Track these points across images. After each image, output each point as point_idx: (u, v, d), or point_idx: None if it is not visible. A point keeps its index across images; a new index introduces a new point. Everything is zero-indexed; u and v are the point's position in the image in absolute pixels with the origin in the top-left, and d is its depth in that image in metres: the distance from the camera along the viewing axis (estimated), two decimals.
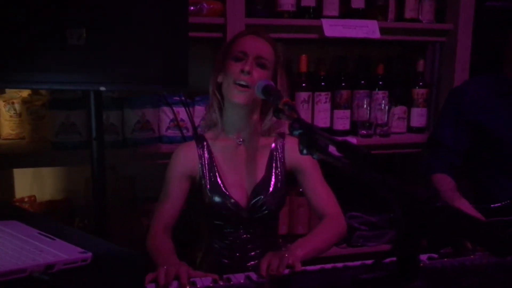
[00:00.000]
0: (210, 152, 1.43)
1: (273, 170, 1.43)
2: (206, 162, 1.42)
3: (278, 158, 1.45)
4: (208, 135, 1.47)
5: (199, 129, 1.84)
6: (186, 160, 1.43)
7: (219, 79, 1.43)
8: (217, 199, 1.38)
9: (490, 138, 1.79)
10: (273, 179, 1.42)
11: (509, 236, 0.51)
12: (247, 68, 1.34)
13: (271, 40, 1.44)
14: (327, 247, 1.35)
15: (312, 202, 1.46)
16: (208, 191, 1.39)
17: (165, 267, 1.12)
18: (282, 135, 1.48)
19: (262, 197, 1.39)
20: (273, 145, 1.46)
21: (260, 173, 1.42)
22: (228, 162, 1.43)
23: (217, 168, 1.41)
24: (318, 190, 1.44)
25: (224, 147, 1.44)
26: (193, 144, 1.46)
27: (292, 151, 1.43)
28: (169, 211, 1.41)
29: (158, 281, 1.08)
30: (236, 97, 1.35)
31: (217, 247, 1.44)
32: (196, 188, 1.44)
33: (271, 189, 1.41)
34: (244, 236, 1.42)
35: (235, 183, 1.41)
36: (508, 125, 1.78)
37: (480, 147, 1.83)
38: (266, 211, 1.40)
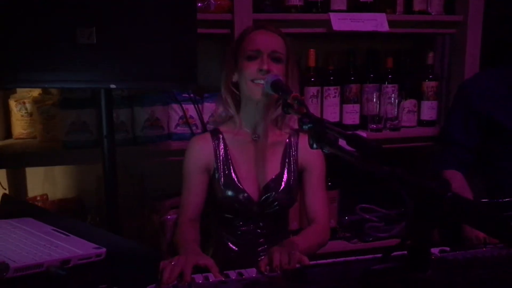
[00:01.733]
0: (225, 146, 1.43)
1: (286, 167, 1.44)
2: (221, 156, 1.42)
3: (291, 155, 1.45)
4: (223, 128, 1.47)
5: (208, 126, 1.85)
6: (201, 153, 1.43)
7: (234, 78, 1.42)
8: (230, 192, 1.39)
9: (502, 132, 1.76)
10: (285, 176, 1.43)
11: None
12: (265, 67, 1.33)
13: (281, 33, 1.43)
14: (311, 253, 1.36)
15: (307, 202, 1.47)
16: (222, 185, 1.40)
17: (172, 262, 1.11)
18: (296, 132, 1.48)
19: (274, 193, 1.40)
20: (287, 141, 1.47)
21: (274, 169, 1.43)
22: (243, 157, 1.43)
23: (231, 162, 1.41)
24: (318, 194, 1.46)
25: (239, 141, 1.44)
26: (208, 136, 1.46)
27: (306, 149, 1.43)
28: (192, 204, 1.41)
29: (163, 278, 1.05)
30: (258, 94, 1.35)
31: (227, 243, 1.45)
32: (209, 180, 1.44)
33: (283, 185, 1.41)
34: (254, 231, 1.42)
35: (249, 177, 1.42)
36: None
37: (491, 140, 1.80)
38: (277, 207, 1.41)
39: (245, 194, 1.39)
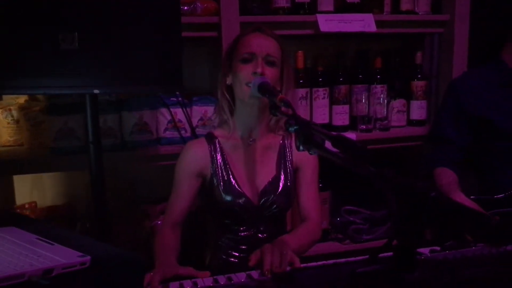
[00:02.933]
0: (222, 151, 1.43)
1: (282, 169, 1.43)
2: (218, 161, 1.41)
3: (287, 157, 1.45)
4: (218, 133, 1.46)
5: (197, 130, 1.83)
6: (196, 158, 1.42)
7: (228, 81, 1.42)
8: (229, 197, 1.38)
9: (492, 130, 1.77)
10: (282, 178, 1.42)
11: (503, 226, 0.50)
12: (259, 70, 1.32)
13: (276, 36, 1.42)
14: (303, 252, 1.36)
15: (300, 201, 1.47)
16: (221, 190, 1.39)
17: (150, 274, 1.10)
18: (289, 134, 1.47)
19: (272, 196, 1.40)
20: (281, 143, 1.47)
21: (270, 172, 1.43)
22: (239, 161, 1.43)
23: (230, 167, 1.41)
24: (310, 193, 1.46)
25: (235, 146, 1.44)
26: (203, 141, 1.45)
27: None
28: (178, 208, 1.41)
29: None
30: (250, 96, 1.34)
31: (225, 246, 1.44)
32: (206, 186, 1.43)
33: (280, 187, 1.41)
34: (255, 235, 1.42)
35: (247, 181, 1.41)
36: (510, 114, 1.76)
37: (482, 138, 1.81)
38: (276, 209, 1.40)
39: (245, 199, 1.38)
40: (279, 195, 1.40)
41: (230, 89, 1.42)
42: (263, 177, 1.42)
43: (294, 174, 1.46)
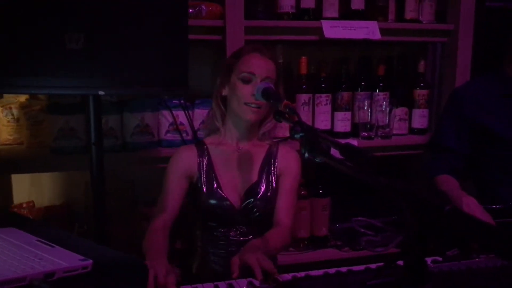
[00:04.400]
0: (209, 157, 1.50)
1: (264, 176, 1.49)
2: (204, 167, 1.48)
3: (271, 165, 1.51)
4: (208, 140, 1.55)
5: (199, 133, 1.83)
6: (186, 161, 1.49)
7: (224, 92, 1.50)
8: (213, 201, 1.44)
9: (493, 139, 1.77)
10: (263, 184, 1.48)
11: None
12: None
13: (274, 57, 1.51)
14: (273, 256, 1.39)
15: (275, 206, 1.50)
16: (204, 193, 1.45)
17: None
18: (276, 143, 1.56)
19: (252, 200, 1.45)
20: (267, 152, 1.53)
21: (253, 177, 1.49)
22: (226, 166, 1.50)
23: (214, 172, 1.47)
24: (285, 199, 1.49)
25: (222, 152, 1.51)
26: (193, 148, 1.53)
27: (283, 158, 1.52)
28: (169, 207, 1.43)
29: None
30: (249, 116, 1.44)
31: (211, 252, 1.48)
32: (192, 189, 1.49)
33: (260, 193, 1.46)
34: (237, 239, 1.45)
35: (231, 186, 1.47)
36: (511, 125, 1.76)
37: (483, 148, 1.81)
38: (257, 213, 1.45)
39: (227, 202, 1.44)
40: (260, 200, 1.45)
41: (224, 99, 1.50)
42: (245, 183, 1.48)
43: (277, 182, 1.50)
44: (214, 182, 1.45)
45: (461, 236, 0.53)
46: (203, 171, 1.47)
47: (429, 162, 1.89)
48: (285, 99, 1.48)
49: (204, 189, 1.45)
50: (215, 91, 1.53)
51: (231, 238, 1.46)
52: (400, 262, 0.65)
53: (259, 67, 1.44)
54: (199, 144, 1.53)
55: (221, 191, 1.45)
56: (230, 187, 1.46)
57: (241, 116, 1.45)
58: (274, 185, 1.49)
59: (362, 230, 1.99)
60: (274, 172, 1.50)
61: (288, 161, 1.52)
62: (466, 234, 0.54)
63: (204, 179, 1.46)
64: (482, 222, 0.54)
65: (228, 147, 1.51)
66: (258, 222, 1.46)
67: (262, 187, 1.47)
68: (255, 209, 1.45)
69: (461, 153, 1.82)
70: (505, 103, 1.78)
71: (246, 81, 1.43)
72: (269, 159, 1.52)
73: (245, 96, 1.42)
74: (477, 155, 1.83)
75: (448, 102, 1.93)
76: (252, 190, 1.46)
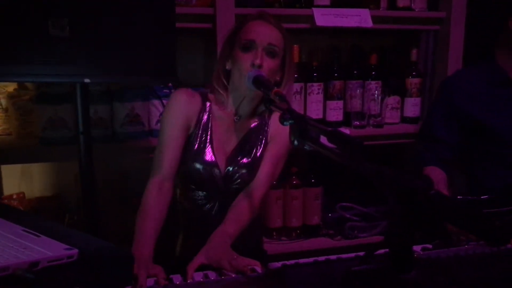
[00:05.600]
0: (209, 115, 1.40)
1: (252, 142, 1.41)
2: (203, 122, 1.39)
3: (263, 132, 1.43)
4: (212, 97, 1.43)
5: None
6: (187, 107, 1.38)
7: (227, 66, 1.39)
8: (199, 161, 1.36)
9: (483, 129, 1.76)
10: (251, 150, 1.40)
11: (502, 225, 0.49)
12: (257, 62, 1.30)
13: (280, 26, 1.39)
14: (241, 231, 1.30)
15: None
16: (194, 151, 1.37)
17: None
18: (270, 111, 1.42)
19: (236, 167, 1.39)
20: (260, 120, 1.44)
21: (241, 144, 1.41)
22: (220, 130, 1.41)
23: (211, 131, 1.39)
24: (269, 163, 1.41)
25: (221, 116, 1.42)
26: (197, 96, 1.41)
27: (275, 124, 1.40)
28: (169, 160, 1.34)
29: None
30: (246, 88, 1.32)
31: (194, 225, 1.43)
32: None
33: (245, 160, 1.40)
34: (220, 208, 1.39)
35: (220, 151, 1.40)
36: (501, 116, 1.75)
37: (472, 138, 1.80)
38: (239, 180, 1.39)
39: (214, 166, 1.37)
40: (243, 167, 1.39)
41: (228, 73, 1.39)
42: (232, 148, 1.41)
43: (265, 149, 1.43)
44: (208, 142, 1.37)
45: (445, 220, 0.53)
46: (200, 127, 1.38)
47: (418, 152, 1.89)
48: (294, 73, 1.44)
49: (196, 146, 1.37)
50: (217, 66, 1.42)
51: (212, 205, 1.40)
52: (386, 250, 0.64)
53: (260, 33, 1.32)
54: (204, 96, 1.41)
55: (212, 152, 1.37)
56: (219, 152, 1.39)
57: (240, 88, 1.34)
58: (261, 152, 1.41)
59: (348, 215, 2.00)
60: (264, 140, 1.42)
61: (280, 127, 1.32)
62: (450, 218, 0.54)
63: (198, 135, 1.37)
64: (466, 207, 0.53)
65: (226, 113, 1.41)
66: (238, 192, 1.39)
67: (249, 153, 1.40)
68: (237, 175, 1.38)
69: (450, 143, 1.81)
70: (495, 94, 1.77)
71: (247, 49, 1.32)
72: (261, 126, 1.43)
73: (244, 66, 1.30)
74: (467, 145, 1.83)
75: (438, 91, 1.93)
76: (236, 156, 1.39)
